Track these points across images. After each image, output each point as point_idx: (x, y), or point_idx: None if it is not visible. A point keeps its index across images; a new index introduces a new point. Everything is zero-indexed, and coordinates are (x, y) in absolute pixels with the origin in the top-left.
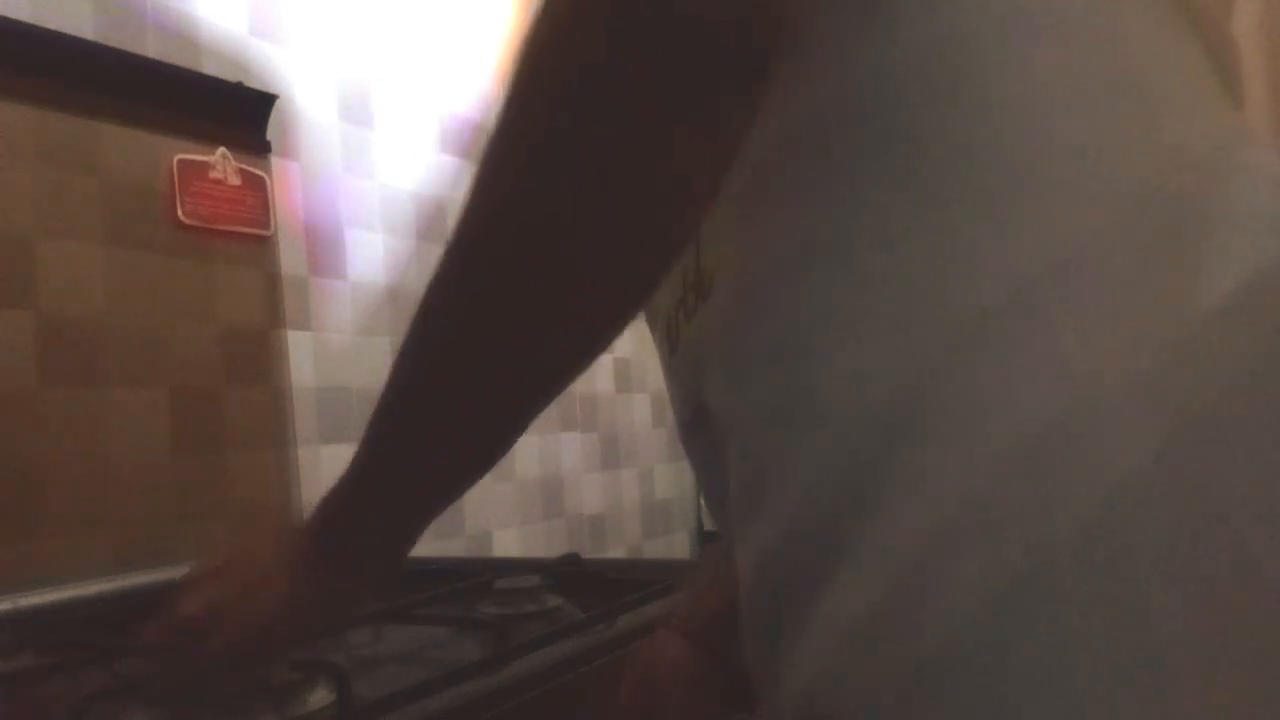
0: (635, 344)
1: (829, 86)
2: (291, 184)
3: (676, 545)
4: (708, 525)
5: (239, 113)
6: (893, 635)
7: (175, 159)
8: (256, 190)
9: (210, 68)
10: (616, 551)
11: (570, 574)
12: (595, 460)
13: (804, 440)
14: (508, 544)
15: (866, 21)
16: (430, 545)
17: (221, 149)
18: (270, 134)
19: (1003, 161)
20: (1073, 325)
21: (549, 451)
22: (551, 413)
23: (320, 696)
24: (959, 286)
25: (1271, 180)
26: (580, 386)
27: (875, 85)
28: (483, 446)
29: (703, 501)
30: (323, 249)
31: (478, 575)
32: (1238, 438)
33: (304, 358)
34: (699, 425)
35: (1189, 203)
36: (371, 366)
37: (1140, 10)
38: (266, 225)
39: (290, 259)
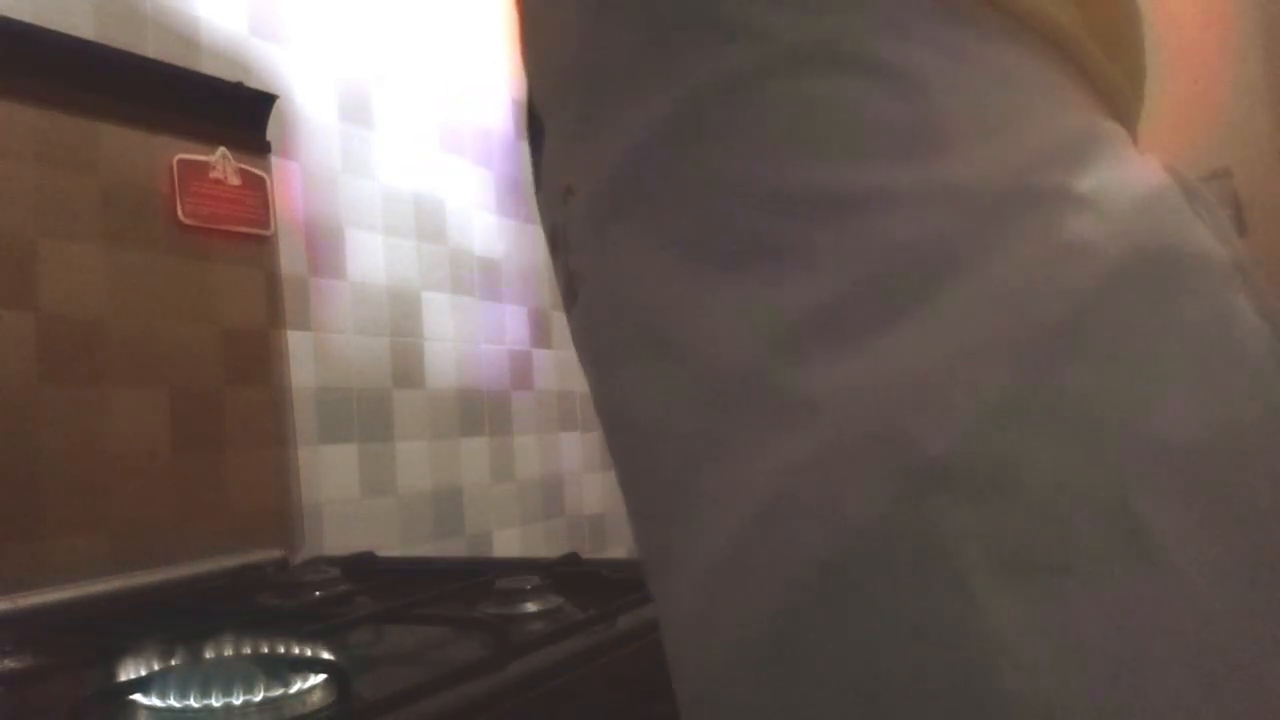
0: None
1: (676, 86)
2: (291, 184)
3: None
4: None
5: (239, 113)
6: (681, 668)
7: (175, 159)
8: (256, 190)
9: (210, 68)
10: (616, 551)
11: (570, 574)
12: (595, 460)
13: (626, 454)
14: (508, 544)
15: (699, 39)
16: (430, 545)
17: (221, 149)
18: (270, 134)
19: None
20: (825, 366)
21: (549, 451)
22: (552, 413)
23: (320, 696)
24: (732, 329)
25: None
26: (580, 386)
27: (694, 107)
28: None
29: None
30: (323, 249)
31: (478, 575)
32: (970, 492)
33: (304, 358)
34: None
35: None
36: (371, 366)
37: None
38: (266, 225)
39: (290, 259)
